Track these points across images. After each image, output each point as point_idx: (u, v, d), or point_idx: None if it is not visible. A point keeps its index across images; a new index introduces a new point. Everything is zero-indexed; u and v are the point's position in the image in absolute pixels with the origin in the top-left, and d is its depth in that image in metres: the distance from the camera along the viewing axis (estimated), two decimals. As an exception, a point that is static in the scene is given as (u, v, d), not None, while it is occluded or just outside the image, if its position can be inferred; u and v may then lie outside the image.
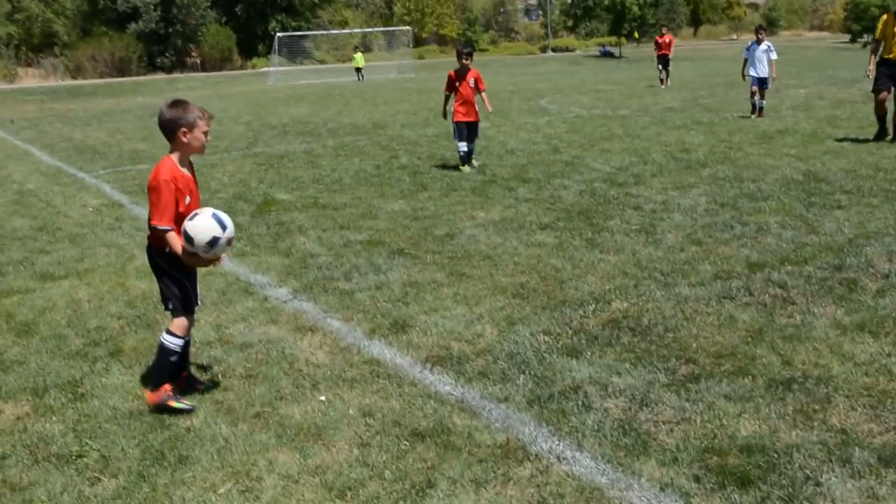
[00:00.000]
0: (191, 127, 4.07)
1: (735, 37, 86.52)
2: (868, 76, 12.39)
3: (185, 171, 4.16)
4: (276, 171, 12.27)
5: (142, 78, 52.32)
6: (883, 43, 11.93)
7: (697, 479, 3.34)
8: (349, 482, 3.45)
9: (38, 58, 57.83)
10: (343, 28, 68.98)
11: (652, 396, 4.10)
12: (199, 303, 4.45)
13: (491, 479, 3.43)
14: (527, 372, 4.48)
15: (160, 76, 53.95)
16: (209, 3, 60.93)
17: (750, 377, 4.26)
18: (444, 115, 11.90)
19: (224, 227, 4.04)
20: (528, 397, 4.18)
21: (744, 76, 16.03)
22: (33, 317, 5.90)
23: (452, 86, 11.22)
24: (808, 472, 3.35)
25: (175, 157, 4.13)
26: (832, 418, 3.79)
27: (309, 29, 62.67)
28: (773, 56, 15.66)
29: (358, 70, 42.19)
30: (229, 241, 4.10)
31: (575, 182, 10.06)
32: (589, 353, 4.70)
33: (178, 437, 3.92)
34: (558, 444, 3.69)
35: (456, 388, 4.34)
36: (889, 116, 12.03)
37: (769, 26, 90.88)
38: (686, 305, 5.40)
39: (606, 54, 59.37)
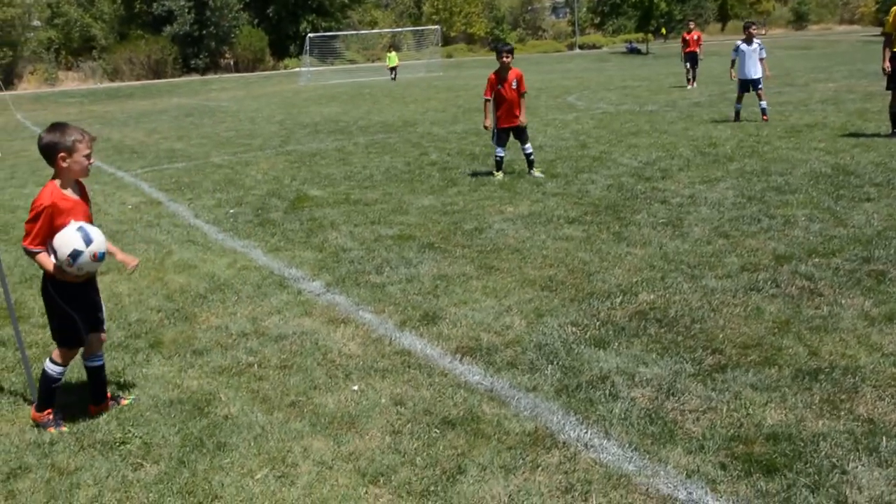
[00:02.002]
0: (69, 151, 3.91)
1: (764, 31, 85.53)
2: (886, 72, 11.68)
3: (69, 193, 3.99)
4: (308, 169, 12.44)
5: (177, 79, 53.10)
6: (895, 36, 11.47)
7: (723, 467, 3.39)
8: (381, 468, 3.54)
9: (78, 61, 59.17)
10: (373, 28, 69.49)
11: (678, 386, 4.16)
12: (104, 329, 4.34)
13: (520, 466, 3.50)
14: (555, 362, 4.55)
15: (195, 77, 54.77)
16: (241, 6, 61.79)
17: (776, 367, 4.30)
18: (486, 127, 10.60)
19: (89, 242, 3.89)
20: (556, 387, 4.25)
21: (732, 77, 15.18)
22: (76, 310, 6.08)
23: (494, 89, 10.29)
24: (834, 460, 3.38)
25: (58, 182, 3.97)
26: (859, 408, 3.82)
27: (339, 29, 63.30)
28: (764, 54, 14.85)
29: (392, 69, 42.03)
30: (95, 256, 3.93)
31: (602, 177, 10.10)
32: (616, 344, 4.76)
33: (217, 425, 4.04)
34: (586, 433, 3.76)
35: (485, 377, 4.43)
36: None
37: (797, 20, 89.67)
38: (713, 297, 5.44)
39: (633, 51, 59.02)
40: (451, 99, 25.28)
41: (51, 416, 4.16)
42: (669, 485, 3.30)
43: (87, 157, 3.98)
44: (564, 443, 3.68)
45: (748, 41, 14.85)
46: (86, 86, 52.02)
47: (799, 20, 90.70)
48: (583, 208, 8.40)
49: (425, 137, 15.53)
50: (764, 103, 14.67)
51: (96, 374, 4.28)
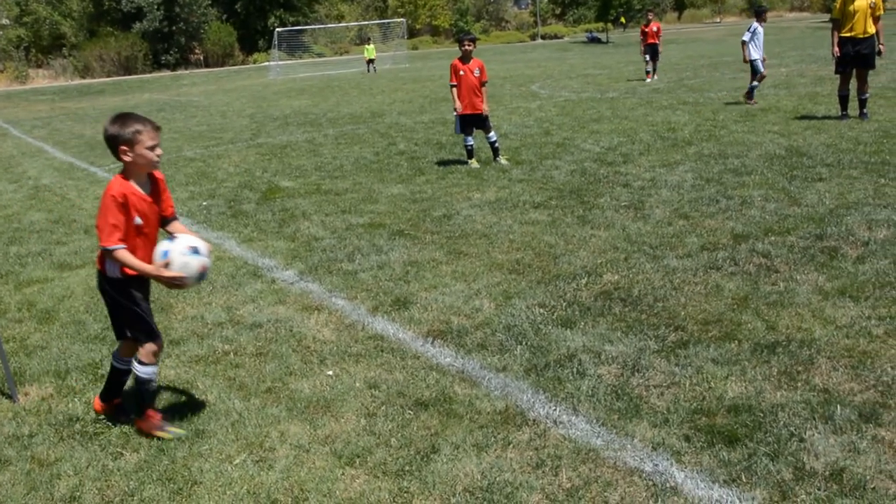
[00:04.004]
0: (130, 143, 3.63)
1: (718, 20, 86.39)
2: (834, 56, 11.90)
3: (138, 189, 3.74)
4: (279, 161, 12.44)
5: (148, 76, 52.54)
6: (843, 21, 11.64)
7: (687, 439, 3.52)
8: (357, 450, 3.62)
9: (48, 59, 58.36)
10: (339, 22, 69.28)
11: (643, 362, 4.29)
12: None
13: (491, 444, 3.60)
14: (523, 343, 4.67)
15: (165, 73, 54.34)
16: (210, 2, 61.52)
17: (736, 342, 4.45)
18: (456, 110, 10.63)
19: (200, 254, 3.77)
20: (525, 366, 4.36)
21: (746, 60, 15.01)
22: (53, 304, 6.09)
23: (458, 75, 10.38)
24: (792, 429, 3.52)
25: (124, 175, 3.74)
26: (815, 379, 3.97)
27: (307, 23, 63.14)
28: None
29: (370, 62, 41.24)
30: (204, 268, 3.80)
31: (566, 162, 10.24)
32: (582, 324, 4.89)
33: (195, 413, 4.09)
34: (555, 410, 3.86)
35: (456, 359, 4.53)
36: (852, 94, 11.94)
37: (751, 8, 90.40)
38: (674, 276, 5.60)
39: (594, 40, 59.28)
40: (417, 90, 25.28)
41: (160, 419, 3.93)
42: (636, 458, 3.41)
43: (152, 148, 3.67)
44: (534, 420, 3.78)
45: (762, 24, 15.04)
46: (57, 83, 51.23)
47: (752, 8, 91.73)
48: (548, 193, 8.53)
49: (393, 128, 15.56)
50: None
51: (119, 376, 4.06)
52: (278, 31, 49.85)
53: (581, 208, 7.74)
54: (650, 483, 3.22)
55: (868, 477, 3.14)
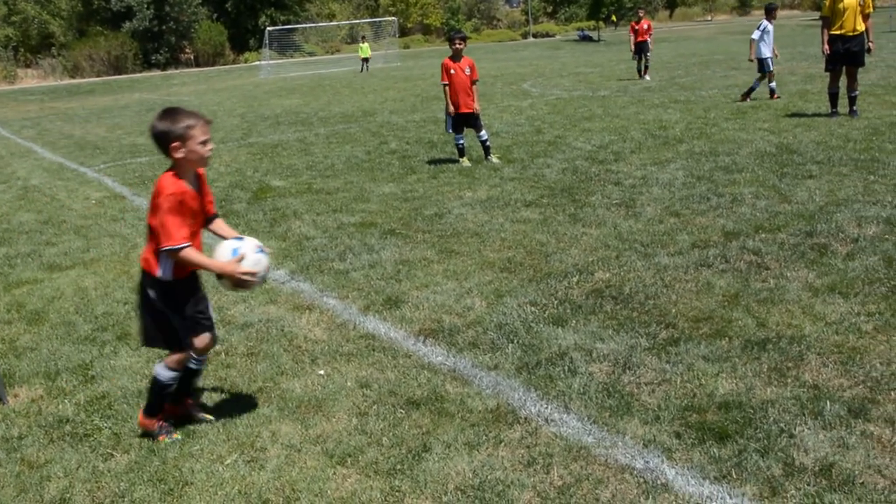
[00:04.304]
0: (182, 139, 3.50)
1: (709, 18, 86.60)
2: (824, 54, 11.95)
3: (189, 186, 3.60)
4: (270, 160, 12.43)
5: (138, 75, 52.50)
6: (832, 19, 11.68)
7: (678, 436, 3.53)
8: (349, 449, 3.62)
9: (37, 59, 58.27)
10: (331, 20, 69.30)
11: (634, 360, 4.30)
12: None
13: (483, 442, 3.60)
14: (515, 341, 4.67)
15: (156, 73, 54.34)
16: (200, 1, 61.59)
17: (727, 339, 4.47)
18: (450, 113, 10.70)
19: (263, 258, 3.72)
20: (516, 364, 4.37)
21: (752, 58, 14.89)
22: (43, 305, 6.07)
23: (449, 74, 10.37)
24: (782, 425, 3.53)
25: (175, 172, 3.58)
26: (805, 375, 3.99)
27: (297, 22, 63.23)
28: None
29: (365, 60, 40.92)
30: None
31: (557, 161, 10.25)
32: (574, 322, 4.90)
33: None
34: (546, 408, 3.87)
35: (448, 358, 4.53)
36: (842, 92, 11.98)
37: (741, 6, 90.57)
38: (665, 274, 5.61)
39: (585, 38, 59.35)
40: (409, 88, 25.30)
41: (162, 424, 3.88)
42: (627, 455, 3.42)
43: (204, 143, 3.54)
44: (526, 418, 3.79)
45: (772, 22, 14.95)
46: (46, 83, 51.09)
47: (743, 6, 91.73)
48: (539, 191, 8.54)
49: (385, 127, 15.57)
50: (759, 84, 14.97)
51: (190, 376, 3.95)
52: (269, 30, 49.86)
53: (572, 206, 7.75)
54: (641, 480, 3.23)
55: (857, 472, 3.16)
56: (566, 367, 4.27)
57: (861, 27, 11.58)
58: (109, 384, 4.52)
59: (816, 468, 3.20)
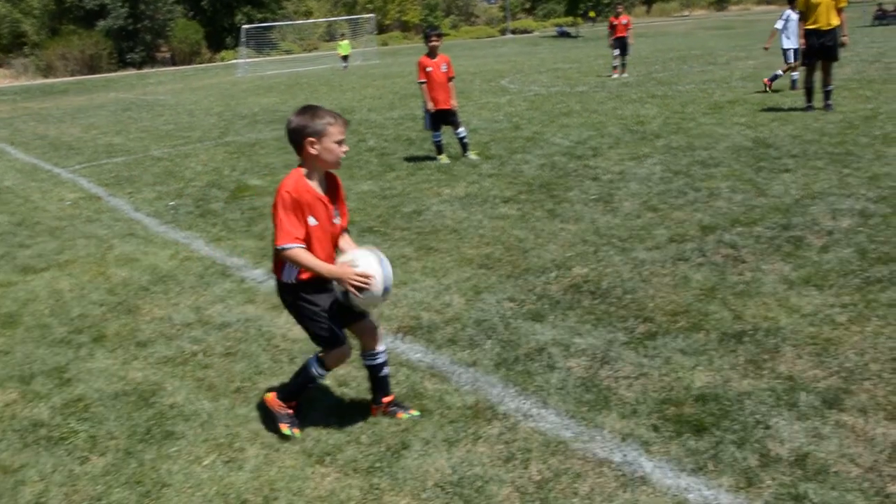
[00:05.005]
0: (319, 136, 3.43)
1: (687, 13, 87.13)
2: (801, 48, 12.08)
3: (315, 186, 3.52)
4: (247, 159, 12.38)
5: (113, 74, 52.06)
6: (807, 14, 11.78)
7: (656, 429, 3.55)
8: (328, 448, 3.62)
9: (8, 58, 57.36)
10: (308, 18, 69.13)
11: (612, 354, 4.32)
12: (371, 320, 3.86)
13: (462, 439, 3.61)
14: (493, 337, 4.68)
15: (131, 72, 53.99)
16: (175, -1, 61.15)
17: (703, 332, 4.50)
18: (428, 110, 10.49)
19: (386, 275, 3.62)
20: (495, 360, 4.37)
21: (767, 47, 14.67)
22: (17, 308, 6.01)
23: (426, 72, 10.34)
24: (758, 416, 3.57)
25: (304, 171, 3.51)
26: (780, 366, 4.03)
27: (274, 20, 63.05)
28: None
29: (344, 58, 40.72)
30: (385, 291, 3.63)
31: (536, 157, 10.27)
32: (552, 317, 4.91)
33: (163, 415, 4.06)
34: (525, 403, 3.88)
35: (427, 355, 4.54)
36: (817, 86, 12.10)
37: (719, 2, 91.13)
38: (643, 268, 5.64)
39: (563, 34, 59.61)
40: (387, 86, 25.26)
41: (290, 414, 3.83)
42: (605, 449, 3.44)
43: (340, 143, 3.48)
44: (504, 414, 3.80)
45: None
46: (18, 83, 50.58)
47: (720, 2, 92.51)
48: (517, 188, 8.55)
49: (363, 124, 15.53)
50: (796, 74, 14.88)
51: (372, 373, 3.88)
52: (245, 29, 49.63)
53: (551, 202, 7.77)
54: (619, 473, 3.25)
55: (831, 461, 3.19)
56: (544, 363, 4.29)
57: (835, 22, 11.68)
58: (85, 387, 4.48)
59: (791, 458, 3.24)
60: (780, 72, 15.08)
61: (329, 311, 3.62)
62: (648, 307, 4.93)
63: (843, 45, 11.88)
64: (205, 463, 3.59)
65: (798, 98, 13.07)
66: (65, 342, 5.21)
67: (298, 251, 3.40)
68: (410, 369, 4.35)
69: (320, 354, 3.75)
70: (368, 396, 4.04)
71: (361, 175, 10.13)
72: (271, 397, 3.89)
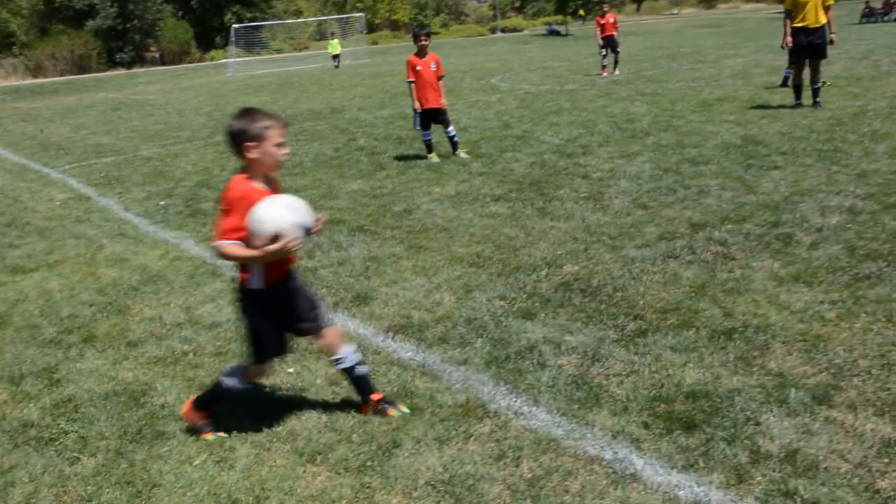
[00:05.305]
0: (259, 139, 3.43)
1: (676, 11, 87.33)
2: (787, 47, 12.13)
3: (260, 187, 3.52)
4: (237, 158, 12.27)
5: (102, 74, 51.88)
6: (795, 12, 11.81)
7: (647, 426, 3.56)
8: (319, 447, 3.61)
9: (-3, 58, 57.14)
10: (297, 17, 69.15)
11: (603, 352, 4.33)
12: (323, 324, 3.77)
13: (453, 437, 3.61)
14: (484, 335, 4.68)
15: (121, 72, 53.89)
16: (165, -2, 61.08)
17: (694, 329, 4.52)
18: (416, 109, 10.60)
19: (294, 212, 3.42)
20: (486, 359, 4.38)
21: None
22: (6, 309, 5.98)
23: (415, 71, 10.33)
24: (748, 413, 3.58)
25: (244, 176, 3.51)
26: (770, 363, 4.04)
27: (264, 19, 63.05)
28: None
29: (335, 57, 40.54)
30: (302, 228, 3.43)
31: (526, 155, 10.28)
32: (543, 315, 4.92)
33: (154, 415, 4.05)
34: (516, 401, 3.88)
35: (417, 353, 4.53)
36: (805, 83, 12.12)
37: (707, 0, 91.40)
38: (633, 266, 5.65)
39: (553, 33, 59.73)
40: (377, 85, 25.25)
41: (208, 420, 3.84)
42: (596, 446, 3.44)
43: (280, 146, 3.48)
44: (495, 412, 3.80)
45: None
46: (7, 83, 50.28)
47: (708, 0, 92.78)
48: (508, 186, 8.56)
49: (353, 123, 15.52)
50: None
51: (347, 376, 3.86)
52: (235, 28, 49.53)
53: (541, 200, 7.78)
54: (610, 471, 3.26)
55: (821, 457, 3.21)
56: (535, 361, 4.29)
57: (823, 19, 11.73)
58: (75, 387, 4.46)
59: (782, 454, 3.25)
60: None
61: (277, 326, 3.68)
62: (639, 304, 4.94)
63: (831, 42, 11.92)
64: (196, 463, 3.58)
65: (787, 95, 13.12)
66: (55, 342, 5.19)
67: (231, 247, 3.43)
68: (401, 368, 4.35)
69: (245, 365, 3.78)
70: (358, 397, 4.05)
71: (351, 174, 10.12)
72: (187, 409, 3.89)
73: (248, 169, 3.51)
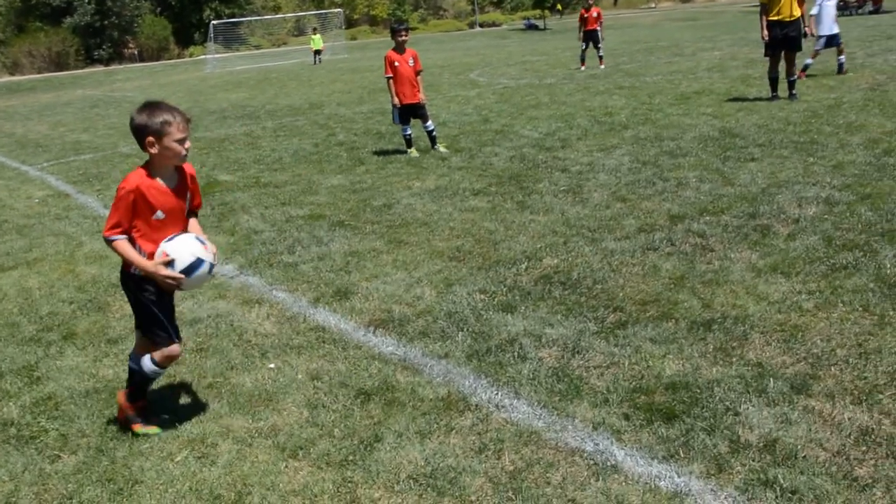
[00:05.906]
0: (158, 135, 3.45)
1: (653, 5, 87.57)
2: (764, 40, 12.18)
3: (159, 182, 3.54)
4: (217, 154, 12.27)
5: (80, 71, 51.42)
6: (770, 6, 11.88)
7: (627, 417, 3.58)
8: (300, 442, 3.61)
9: (-27, 56, 56.48)
10: (276, 13, 68.92)
11: (583, 344, 4.35)
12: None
13: (434, 430, 3.61)
14: (465, 329, 4.69)
15: (99, 68, 53.43)
16: (143, -6, 60.66)
17: (673, 321, 4.55)
18: (395, 104, 10.50)
19: (206, 255, 3.64)
20: (466, 352, 4.38)
21: (812, 33, 14.12)
22: (-16, 307, 5.90)
23: (393, 67, 10.32)
24: (727, 403, 3.61)
25: (145, 171, 3.54)
26: (749, 354, 4.08)
27: (242, 15, 62.82)
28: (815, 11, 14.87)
29: (316, 52, 40.25)
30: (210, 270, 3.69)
31: (505, 149, 10.30)
32: (523, 308, 4.93)
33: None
34: (497, 394, 3.90)
35: (398, 348, 4.54)
36: (781, 76, 12.22)
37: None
38: (612, 258, 5.68)
39: (531, 27, 59.80)
40: (356, 80, 25.19)
41: (139, 410, 3.84)
42: (577, 438, 3.46)
43: (181, 141, 3.49)
44: (476, 405, 3.81)
45: None
46: (-16, 80, 49.76)
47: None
48: (487, 180, 8.57)
49: (332, 118, 15.48)
50: (843, 57, 14.92)
51: (133, 377, 3.87)
52: (214, 24, 49.25)
53: (520, 194, 7.80)
54: (591, 462, 3.28)
55: (799, 446, 3.24)
56: (516, 354, 4.30)
57: (797, 13, 11.85)
58: (56, 385, 4.43)
59: (761, 444, 3.28)
60: (809, 60, 14.97)
61: (166, 310, 3.70)
62: (618, 297, 4.97)
63: (806, 36, 12.03)
64: (177, 459, 3.57)
65: (763, 88, 13.21)
66: (34, 340, 5.14)
67: (119, 242, 3.50)
68: (382, 362, 4.35)
69: (152, 351, 3.74)
70: (341, 390, 4.05)
71: (331, 169, 10.10)
72: (121, 400, 3.87)
73: (151, 163, 3.55)
